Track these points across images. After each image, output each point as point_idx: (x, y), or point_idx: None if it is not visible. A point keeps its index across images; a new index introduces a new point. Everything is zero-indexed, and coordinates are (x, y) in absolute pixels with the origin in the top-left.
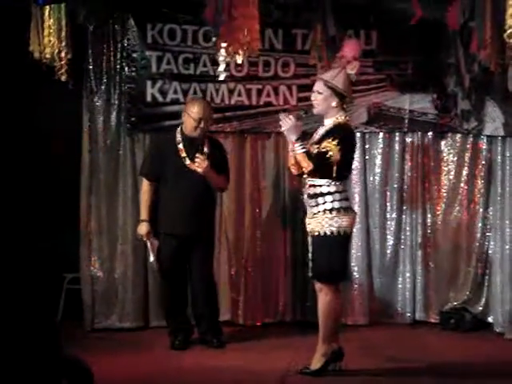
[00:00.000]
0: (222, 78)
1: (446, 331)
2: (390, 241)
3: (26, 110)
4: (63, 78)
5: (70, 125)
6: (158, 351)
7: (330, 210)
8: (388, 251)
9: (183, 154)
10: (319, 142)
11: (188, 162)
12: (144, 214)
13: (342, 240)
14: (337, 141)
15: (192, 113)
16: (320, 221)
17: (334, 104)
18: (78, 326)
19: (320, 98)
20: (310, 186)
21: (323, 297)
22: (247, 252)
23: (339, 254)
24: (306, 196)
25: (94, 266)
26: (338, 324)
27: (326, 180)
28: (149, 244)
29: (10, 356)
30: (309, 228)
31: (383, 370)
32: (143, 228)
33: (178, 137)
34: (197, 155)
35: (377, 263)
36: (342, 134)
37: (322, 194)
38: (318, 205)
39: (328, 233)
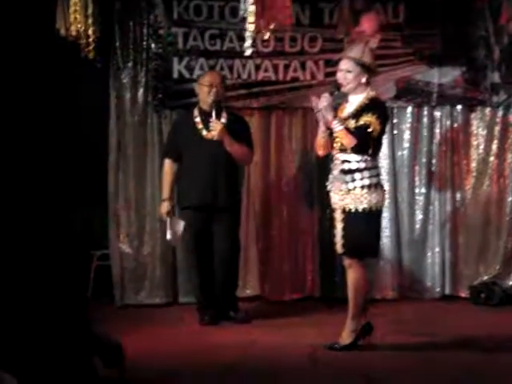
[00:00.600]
0: (248, 53)
1: (475, 306)
2: (419, 215)
3: (53, 88)
4: (90, 55)
5: (97, 102)
6: (186, 327)
7: (369, 186)
8: (417, 226)
9: (200, 126)
10: (355, 116)
11: (205, 132)
12: (165, 193)
13: (376, 215)
14: (376, 115)
15: (203, 81)
16: (358, 196)
17: (363, 80)
18: (108, 302)
19: (350, 76)
20: (344, 161)
21: (353, 273)
22: (275, 227)
23: (374, 230)
24: (337, 172)
25: (122, 243)
26: (366, 299)
27: (360, 156)
28: (168, 221)
29: (40, 332)
30: (340, 204)
31: (412, 344)
32: (164, 207)
33: (196, 112)
34: (211, 120)
35: (406, 238)
36: (380, 108)
37: (360, 170)
38: (354, 180)
39: (367, 208)
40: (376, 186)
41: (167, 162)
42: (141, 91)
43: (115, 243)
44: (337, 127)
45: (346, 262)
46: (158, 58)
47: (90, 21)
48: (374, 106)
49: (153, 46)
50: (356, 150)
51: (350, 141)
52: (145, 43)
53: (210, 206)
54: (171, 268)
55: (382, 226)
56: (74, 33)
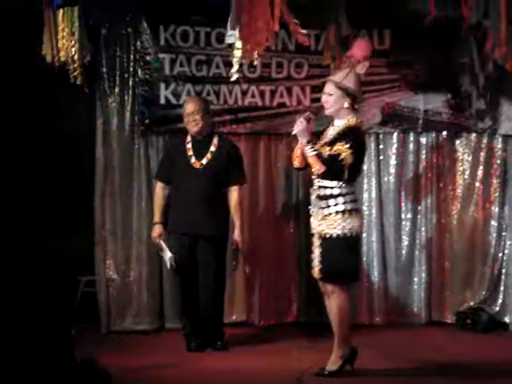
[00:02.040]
0: (234, 78)
1: (462, 331)
2: (405, 241)
3: (39, 114)
4: (78, 81)
5: (84, 128)
6: (173, 353)
7: (343, 212)
8: (403, 251)
9: (190, 153)
10: (331, 143)
11: (193, 160)
12: (156, 216)
13: (354, 241)
14: (349, 145)
15: (183, 110)
16: (332, 222)
17: (345, 105)
18: (94, 328)
19: (331, 99)
20: (320, 187)
21: (336, 299)
22: (261, 252)
23: (352, 255)
24: (314, 197)
25: (109, 269)
26: (350, 324)
27: (336, 182)
28: (162, 244)
29: (23, 362)
30: (318, 229)
31: (398, 370)
32: (156, 230)
33: (188, 138)
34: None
35: (392, 263)
36: (354, 137)
37: (333, 196)
38: (329, 206)
39: (341, 234)
40: (351, 212)
41: (158, 185)
42: (127, 117)
43: (101, 269)
44: (309, 152)
45: (328, 288)
46: (144, 83)
47: (76, 46)
48: (349, 134)
49: (139, 71)
50: (325, 176)
51: (319, 167)
52: (131, 69)
53: (195, 234)
54: (158, 294)
55: (368, 250)
56: (62, 58)
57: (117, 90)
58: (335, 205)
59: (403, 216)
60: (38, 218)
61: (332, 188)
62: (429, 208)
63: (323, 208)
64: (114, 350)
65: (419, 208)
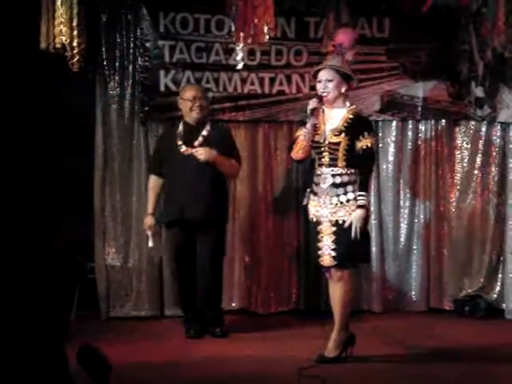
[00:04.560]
0: (240, 66)
1: (460, 319)
2: (404, 229)
3: (38, 101)
4: (75, 68)
5: (83, 115)
6: (172, 340)
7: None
8: (401, 239)
9: (179, 142)
10: (343, 132)
11: (184, 148)
12: (149, 207)
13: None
14: (371, 134)
15: (185, 95)
16: (353, 208)
17: (343, 90)
18: (94, 315)
19: (331, 85)
20: (335, 175)
21: (343, 286)
22: (260, 240)
23: (366, 240)
24: (327, 185)
25: (108, 256)
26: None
27: (347, 169)
28: (149, 233)
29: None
30: (331, 217)
31: (396, 357)
32: (148, 220)
33: (180, 127)
34: (196, 149)
35: (390, 251)
36: (370, 125)
37: (351, 182)
38: (347, 193)
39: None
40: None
41: (151, 178)
42: (127, 104)
43: (101, 256)
44: (360, 201)
45: (336, 274)
46: (144, 70)
47: (75, 33)
48: (363, 125)
49: (139, 58)
50: (366, 171)
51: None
52: (131, 56)
53: (192, 221)
54: (157, 280)
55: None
56: (58, 45)
57: (116, 77)
58: (353, 191)
59: (401, 204)
60: (37, 205)
61: (349, 175)
62: (427, 196)
63: (339, 195)
64: (114, 337)
65: (418, 196)
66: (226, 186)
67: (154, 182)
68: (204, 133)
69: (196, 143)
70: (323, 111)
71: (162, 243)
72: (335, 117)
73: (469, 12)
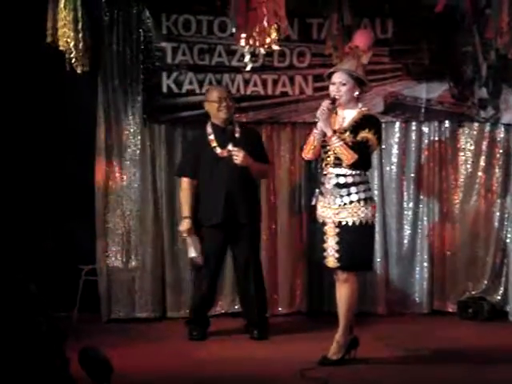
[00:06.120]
0: (248, 68)
1: (463, 321)
2: (407, 230)
3: (40, 102)
4: (79, 69)
5: (86, 116)
6: (174, 342)
7: (365, 200)
8: (405, 241)
9: (214, 144)
10: (352, 132)
11: (219, 150)
12: (185, 211)
13: (371, 229)
14: (373, 131)
15: (211, 97)
16: (356, 210)
17: (356, 94)
18: (96, 317)
19: (344, 88)
20: (339, 175)
21: (349, 287)
22: (263, 242)
23: (370, 243)
24: (331, 186)
25: (110, 257)
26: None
27: (353, 170)
28: (189, 240)
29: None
30: (335, 218)
31: (400, 359)
32: (185, 224)
33: (209, 129)
34: (229, 148)
35: (393, 253)
36: (377, 124)
37: (355, 184)
38: (350, 194)
39: (363, 221)
40: (370, 200)
41: (184, 181)
42: (129, 106)
43: (102, 257)
44: (336, 143)
45: (342, 276)
46: (146, 72)
47: (79, 35)
48: (370, 122)
49: (142, 60)
50: (356, 165)
51: (350, 156)
52: (134, 58)
53: (229, 223)
54: (159, 282)
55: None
56: (62, 47)
57: (119, 78)
58: (356, 192)
59: (405, 205)
60: (39, 207)
61: (353, 176)
62: (431, 198)
63: (343, 196)
64: (115, 339)
65: (421, 198)
66: (257, 185)
67: (187, 183)
68: (236, 135)
69: (230, 146)
70: (336, 112)
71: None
72: (346, 117)
73: (472, 13)
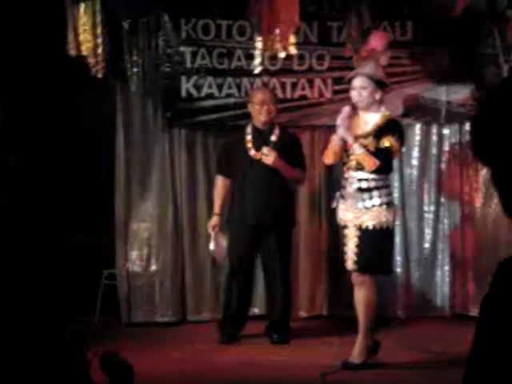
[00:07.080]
0: (257, 71)
1: None
2: (428, 233)
3: (59, 109)
4: (99, 74)
5: (105, 122)
6: (195, 346)
7: (387, 204)
8: (426, 244)
9: (249, 145)
10: (376, 137)
11: (253, 152)
12: (216, 207)
13: (391, 233)
14: (396, 137)
15: (254, 99)
16: (377, 214)
17: (377, 97)
18: (116, 321)
19: (365, 92)
20: (361, 180)
21: (366, 290)
22: None
23: (389, 247)
24: (353, 190)
25: (130, 261)
26: (375, 317)
27: (375, 174)
28: (213, 234)
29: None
30: (356, 222)
31: (421, 363)
32: (212, 220)
33: (248, 130)
34: (263, 148)
35: (415, 256)
36: (400, 130)
37: (377, 188)
38: (372, 198)
39: (384, 226)
40: (392, 204)
41: (219, 178)
42: (149, 110)
43: (122, 262)
44: (358, 150)
45: (358, 279)
46: (166, 76)
47: (99, 40)
48: (392, 126)
49: (161, 64)
50: (378, 170)
51: (372, 162)
52: (153, 62)
53: (261, 225)
54: (179, 285)
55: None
56: (85, 52)
57: (138, 83)
58: (379, 197)
59: (426, 208)
60: (60, 213)
61: (376, 180)
62: (452, 200)
63: (365, 200)
64: (135, 343)
65: (442, 200)
66: (290, 188)
67: (221, 182)
68: (273, 138)
69: (265, 149)
70: (358, 116)
71: (223, 246)
72: (369, 121)
73: (493, 15)
